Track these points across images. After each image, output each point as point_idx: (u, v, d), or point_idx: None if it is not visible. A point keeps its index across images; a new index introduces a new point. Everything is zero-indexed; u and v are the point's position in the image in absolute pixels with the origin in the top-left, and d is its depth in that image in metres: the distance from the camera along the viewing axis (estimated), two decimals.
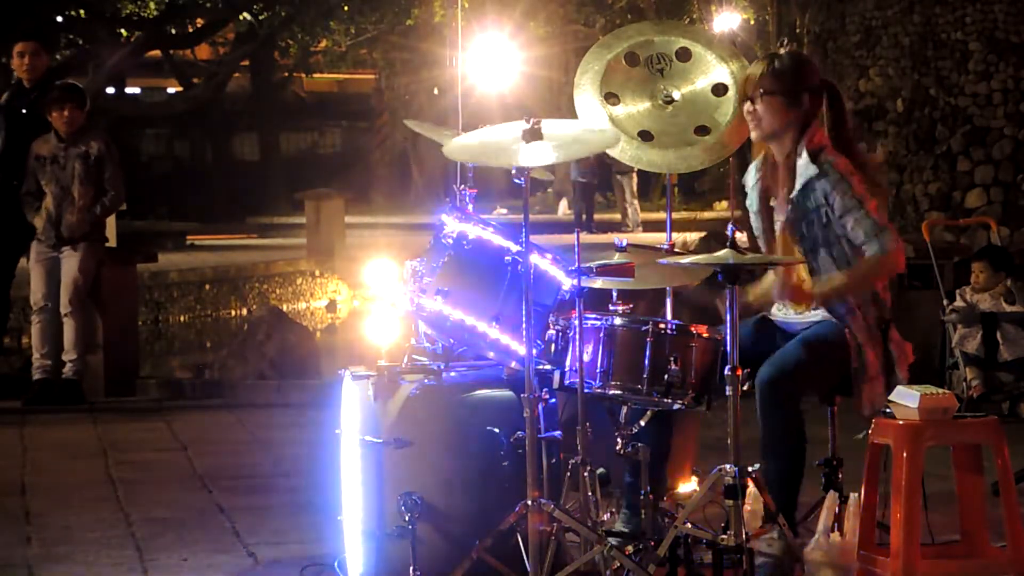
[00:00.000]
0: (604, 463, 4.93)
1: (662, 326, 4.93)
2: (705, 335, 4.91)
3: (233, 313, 18.86)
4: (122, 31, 26.03)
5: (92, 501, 6.73)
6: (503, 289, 4.93)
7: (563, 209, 29.42)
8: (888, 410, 5.01)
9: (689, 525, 4.80)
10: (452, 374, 5.13)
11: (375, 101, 37.50)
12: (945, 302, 9.16)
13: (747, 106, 5.28)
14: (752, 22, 29.01)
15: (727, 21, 27.15)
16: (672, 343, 4.87)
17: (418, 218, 26.36)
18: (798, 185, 5.19)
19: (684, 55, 5.60)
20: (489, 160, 4.96)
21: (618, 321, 4.92)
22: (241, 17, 28.02)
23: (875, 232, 5.12)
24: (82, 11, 25.06)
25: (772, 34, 23.74)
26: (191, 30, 28.11)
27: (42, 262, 9.58)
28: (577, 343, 4.84)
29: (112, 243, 10.85)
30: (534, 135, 4.74)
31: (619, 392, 4.91)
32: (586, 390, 4.84)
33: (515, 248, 4.88)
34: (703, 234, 20.40)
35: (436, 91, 33.75)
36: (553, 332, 4.98)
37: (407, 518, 4.83)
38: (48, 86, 9.66)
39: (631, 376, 4.88)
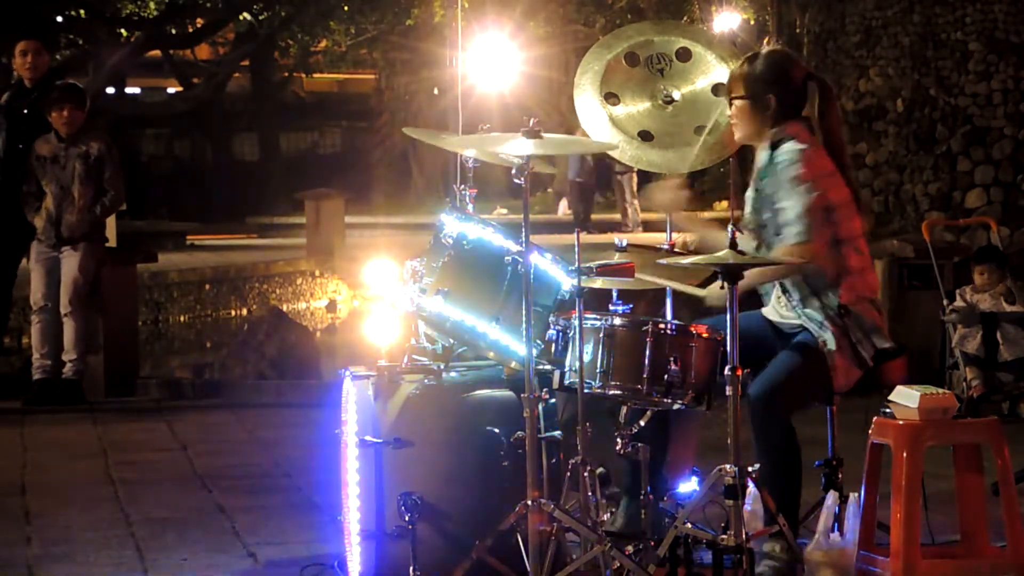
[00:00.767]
0: (604, 463, 4.94)
1: (662, 326, 4.93)
2: (705, 335, 4.91)
3: (233, 313, 18.84)
4: (122, 31, 26.03)
5: (92, 501, 6.73)
6: (503, 289, 4.93)
7: (563, 209, 29.38)
8: (888, 410, 5.01)
9: (689, 525, 4.80)
10: (452, 374, 5.14)
11: (375, 101, 37.47)
12: (945, 302, 9.16)
13: (729, 110, 5.32)
14: (752, 22, 29.00)
15: (727, 21, 27.14)
16: (672, 343, 4.87)
17: (418, 218, 26.34)
18: (755, 171, 5.19)
19: (684, 55, 5.60)
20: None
21: (618, 321, 4.92)
22: (241, 17, 28.03)
23: (798, 218, 5.05)
24: (82, 11, 25.07)
25: (772, 34, 23.73)
26: (191, 30, 28.12)
27: (42, 262, 9.58)
28: (577, 343, 4.84)
29: (112, 243, 10.85)
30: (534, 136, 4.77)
31: (619, 392, 4.90)
32: (586, 390, 4.84)
33: (515, 248, 4.88)
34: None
35: (436, 91, 33.71)
36: (553, 332, 4.98)
37: (407, 518, 4.83)
38: (49, 86, 9.66)
39: (631, 376, 4.87)
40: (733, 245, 4.74)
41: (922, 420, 4.91)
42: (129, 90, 36.88)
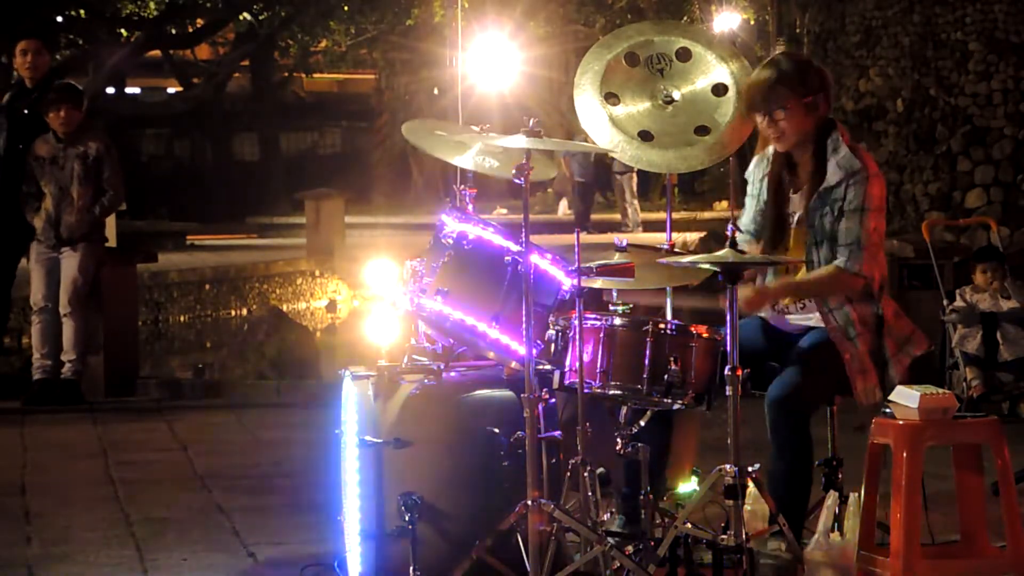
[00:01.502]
0: (604, 463, 4.93)
1: (662, 326, 4.92)
2: (705, 335, 4.91)
3: (233, 313, 18.83)
4: (122, 31, 26.05)
5: (92, 501, 6.73)
6: (503, 289, 4.92)
7: (563, 209, 29.40)
8: (888, 410, 5.01)
9: (689, 525, 4.80)
10: (452, 374, 5.13)
11: (375, 101, 37.46)
12: (945, 302, 9.16)
13: (762, 121, 5.22)
14: (752, 22, 29.02)
15: (727, 21, 27.15)
16: (672, 343, 4.87)
17: (418, 218, 26.35)
18: (835, 178, 5.14)
19: (684, 55, 5.60)
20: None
21: (618, 321, 4.92)
22: (241, 17, 28.05)
23: (856, 244, 5.09)
24: (82, 11, 25.08)
25: (772, 34, 23.75)
26: (191, 30, 28.13)
27: (42, 262, 9.58)
28: (577, 343, 4.84)
29: (112, 243, 10.85)
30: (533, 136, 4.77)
31: (619, 392, 4.90)
32: (586, 390, 4.84)
33: (515, 248, 4.88)
34: (703, 234, 20.42)
35: (436, 91, 33.73)
36: (553, 332, 4.98)
37: (407, 518, 4.83)
38: (49, 86, 9.66)
39: (631, 376, 4.87)
40: (733, 245, 4.74)
41: (922, 420, 4.91)
42: (129, 90, 36.91)
